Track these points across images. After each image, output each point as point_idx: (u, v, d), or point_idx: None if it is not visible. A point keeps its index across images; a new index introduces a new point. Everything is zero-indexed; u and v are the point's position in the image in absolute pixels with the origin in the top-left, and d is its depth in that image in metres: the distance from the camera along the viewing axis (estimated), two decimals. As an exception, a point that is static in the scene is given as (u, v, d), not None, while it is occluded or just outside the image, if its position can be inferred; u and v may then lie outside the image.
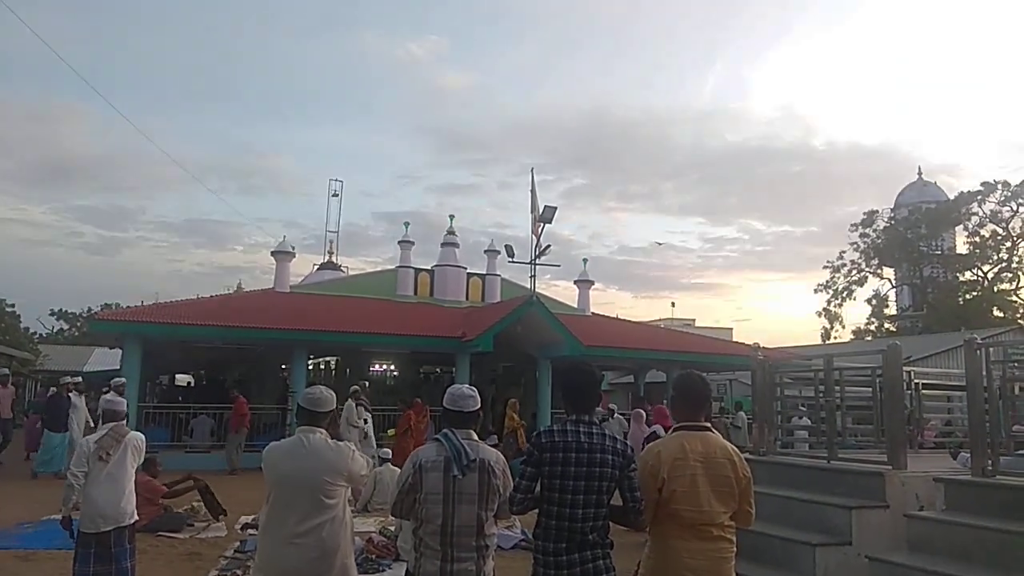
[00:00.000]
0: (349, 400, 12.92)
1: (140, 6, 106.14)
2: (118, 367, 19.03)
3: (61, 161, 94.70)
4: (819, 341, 43.54)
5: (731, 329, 44.89)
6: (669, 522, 3.29)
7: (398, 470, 10.71)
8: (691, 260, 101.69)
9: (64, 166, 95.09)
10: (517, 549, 7.98)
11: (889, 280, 46.14)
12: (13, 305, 49.76)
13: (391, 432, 13.87)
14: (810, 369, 8.38)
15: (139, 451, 5.35)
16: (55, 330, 58.70)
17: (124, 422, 5.51)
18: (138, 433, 5.46)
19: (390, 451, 11.95)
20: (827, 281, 46.05)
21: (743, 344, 22.50)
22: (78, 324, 56.10)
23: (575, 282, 25.89)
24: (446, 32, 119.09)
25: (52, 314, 58.98)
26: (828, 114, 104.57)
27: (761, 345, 8.73)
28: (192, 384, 27.99)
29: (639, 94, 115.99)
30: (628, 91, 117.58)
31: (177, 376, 30.32)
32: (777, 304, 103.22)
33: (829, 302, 45.80)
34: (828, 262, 46.27)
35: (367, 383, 15.95)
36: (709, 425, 3.46)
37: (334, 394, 3.89)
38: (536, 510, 3.34)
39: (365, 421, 13.26)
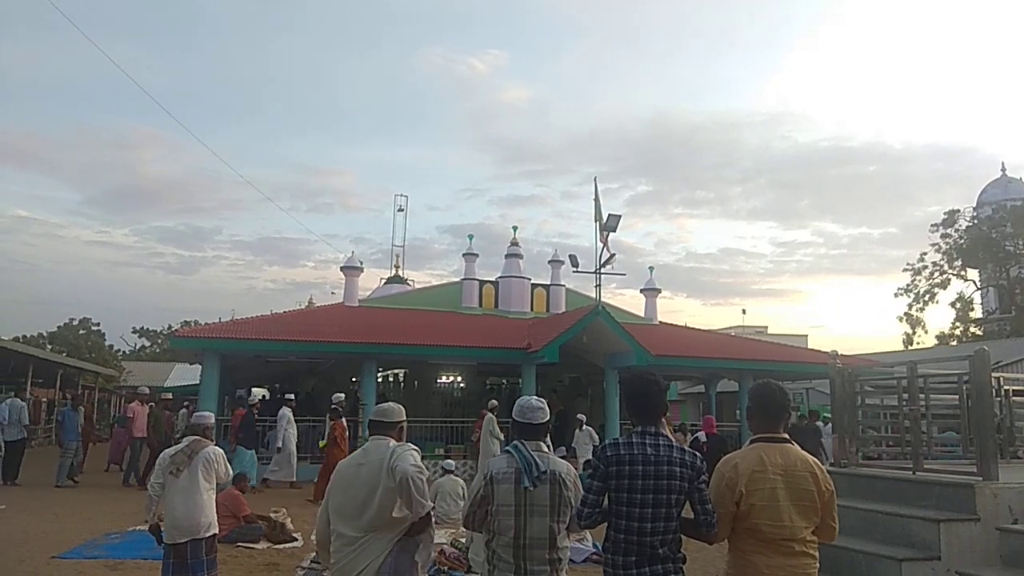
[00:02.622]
0: (490, 413, 15.14)
1: (210, 33, 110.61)
2: (198, 382, 19.77)
3: (141, 185, 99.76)
4: (901, 347, 41.83)
5: (806, 336, 43.47)
6: (749, 537, 3.19)
7: (459, 480, 10.94)
8: (762, 265, 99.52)
9: (143, 190, 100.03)
10: (589, 563, 7.90)
11: (973, 282, 44.06)
12: (98, 324, 52.60)
13: (322, 443, 14.30)
14: (892, 377, 8.07)
15: (211, 464, 5.43)
16: (137, 347, 61.47)
17: (208, 437, 5.64)
18: (214, 448, 5.54)
19: (452, 462, 12.04)
20: (908, 284, 44.24)
21: (819, 351, 21.79)
22: (159, 341, 58.57)
23: (641, 291, 25.62)
24: (505, 46, 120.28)
25: (135, 332, 61.93)
26: (903, 112, 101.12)
27: (839, 352, 8.42)
28: (267, 398, 28.78)
29: (703, 98, 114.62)
30: (691, 96, 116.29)
31: (253, 390, 31.23)
32: (855, 309, 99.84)
33: (910, 306, 43.99)
34: (908, 264, 44.48)
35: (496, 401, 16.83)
36: (788, 437, 3.35)
37: (403, 408, 4.06)
38: (605, 523, 3.29)
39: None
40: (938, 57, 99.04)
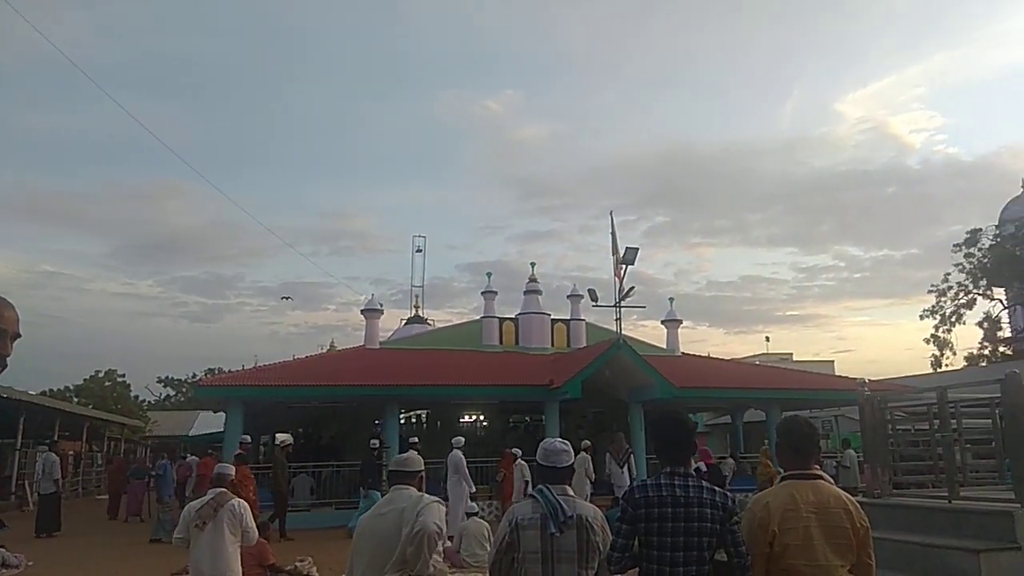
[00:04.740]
0: (583, 452, 14.60)
1: (230, 87, 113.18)
2: (222, 430, 19.80)
3: (164, 236, 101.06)
4: (929, 369, 41.13)
5: (832, 362, 43.08)
6: (784, 579, 3.10)
7: (484, 523, 10.79)
8: (784, 292, 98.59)
9: (167, 241, 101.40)
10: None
11: (1000, 301, 43.35)
12: (124, 375, 52.88)
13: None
14: (922, 402, 7.90)
15: (236, 517, 5.44)
16: (162, 396, 61.70)
17: (231, 489, 5.65)
18: (239, 500, 5.56)
19: (475, 505, 11.90)
20: (933, 306, 43.57)
21: (847, 378, 21.51)
22: (183, 390, 58.82)
23: (663, 322, 25.50)
24: (520, 86, 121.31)
25: (159, 381, 62.16)
26: (920, 132, 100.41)
27: (868, 379, 8.28)
28: (291, 444, 28.72)
29: (718, 128, 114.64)
30: (707, 126, 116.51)
31: (277, 436, 31.22)
32: (881, 333, 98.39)
33: (937, 328, 43.28)
34: (933, 286, 43.88)
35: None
36: (821, 472, 3.27)
37: (422, 459, 4.07)
38: (636, 569, 3.21)
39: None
40: (950, 72, 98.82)
